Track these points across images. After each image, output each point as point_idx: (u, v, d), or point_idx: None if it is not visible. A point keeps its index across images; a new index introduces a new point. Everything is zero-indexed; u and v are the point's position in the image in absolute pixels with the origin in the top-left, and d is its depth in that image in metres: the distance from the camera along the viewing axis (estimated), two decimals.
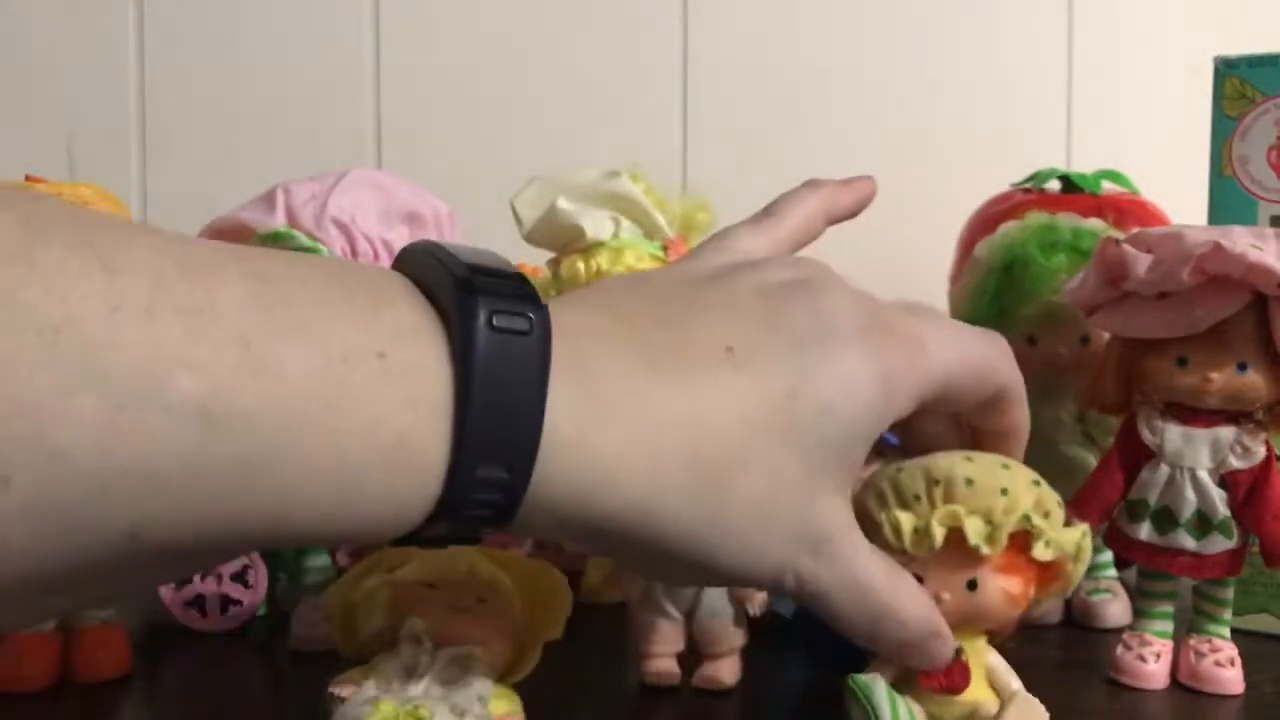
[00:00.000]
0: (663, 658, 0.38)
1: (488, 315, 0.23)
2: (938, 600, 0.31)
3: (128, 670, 0.41)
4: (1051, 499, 0.32)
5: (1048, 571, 0.32)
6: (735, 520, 0.26)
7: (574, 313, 0.27)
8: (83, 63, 0.78)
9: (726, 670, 0.38)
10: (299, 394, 0.21)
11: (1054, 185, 0.57)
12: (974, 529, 0.31)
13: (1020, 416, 0.33)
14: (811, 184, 0.35)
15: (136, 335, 0.20)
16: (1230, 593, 0.40)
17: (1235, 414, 0.38)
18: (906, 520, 0.31)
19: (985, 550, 0.31)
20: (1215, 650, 0.39)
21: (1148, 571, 0.40)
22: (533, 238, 0.48)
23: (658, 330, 0.27)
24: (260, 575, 0.46)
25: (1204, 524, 0.38)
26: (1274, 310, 0.36)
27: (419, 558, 0.33)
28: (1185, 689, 0.39)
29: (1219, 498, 0.38)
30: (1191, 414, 0.38)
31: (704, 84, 0.78)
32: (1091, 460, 0.46)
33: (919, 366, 0.29)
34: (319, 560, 0.46)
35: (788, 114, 0.78)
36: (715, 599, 0.38)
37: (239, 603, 0.46)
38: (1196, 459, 0.38)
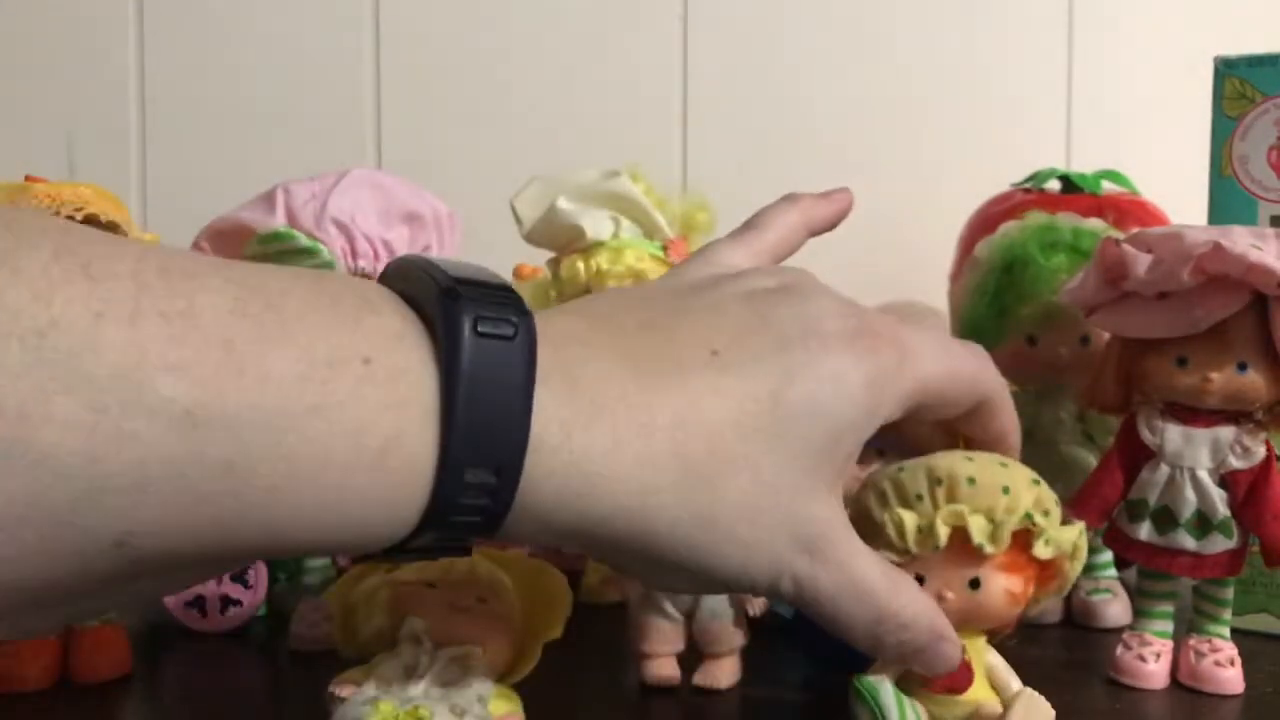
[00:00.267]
0: (663, 658, 0.38)
1: (473, 321, 0.23)
2: (940, 599, 0.31)
3: (128, 670, 0.41)
4: (1050, 497, 0.32)
5: (1046, 570, 0.33)
6: (725, 519, 0.26)
7: (558, 321, 0.27)
8: (83, 63, 0.78)
9: (726, 670, 0.38)
10: (284, 397, 0.21)
11: (1054, 185, 0.57)
12: (978, 528, 0.31)
13: (1009, 422, 0.34)
14: (790, 198, 0.36)
15: (120, 339, 0.20)
16: (1230, 593, 0.40)
17: (1235, 414, 0.38)
18: (910, 519, 0.31)
19: (989, 549, 0.31)
20: (1215, 650, 0.39)
21: (1148, 571, 0.40)
22: (533, 238, 0.48)
23: (642, 335, 0.27)
24: (260, 575, 0.46)
25: (1204, 524, 0.38)
26: (1274, 310, 0.36)
27: None
28: (1185, 689, 0.39)
29: (1219, 498, 0.38)
30: (1191, 414, 0.38)
31: (704, 84, 0.78)
32: (1091, 460, 0.46)
33: (907, 372, 0.29)
34: (319, 560, 0.46)
35: (787, 114, 0.78)
36: (715, 600, 0.38)
37: (239, 603, 0.46)
38: (1196, 459, 0.38)
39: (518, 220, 0.47)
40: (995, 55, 0.78)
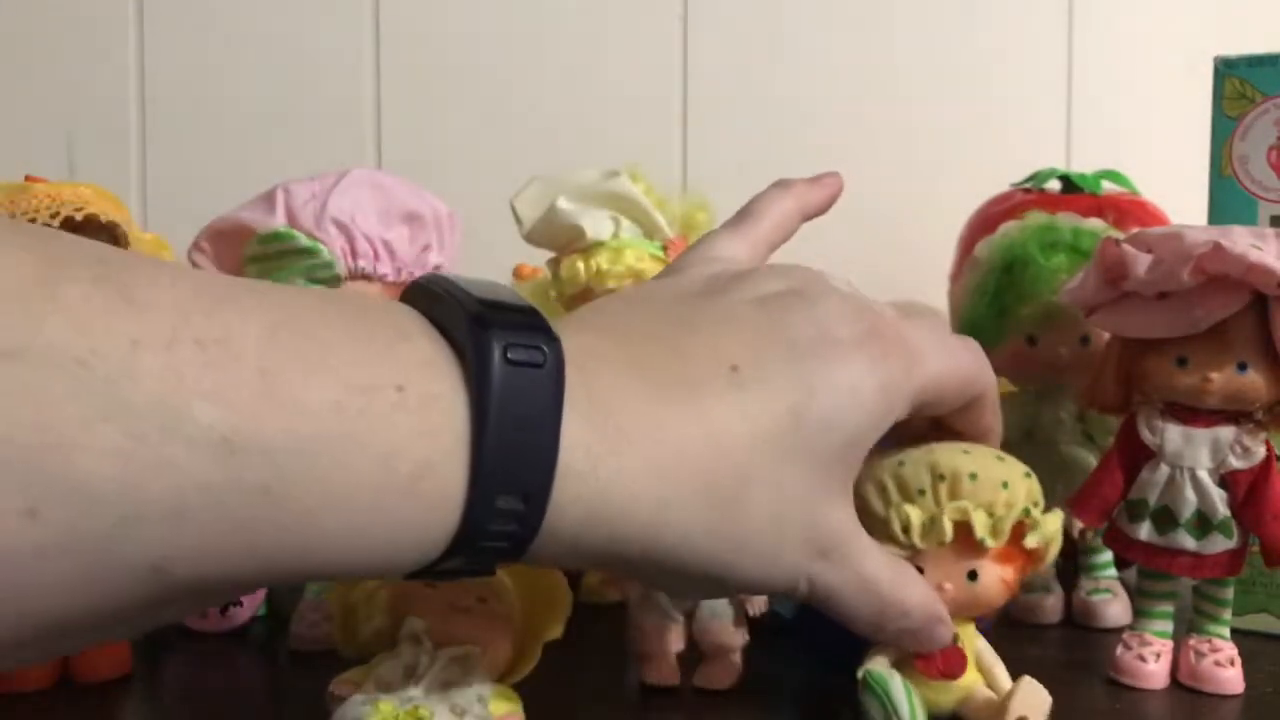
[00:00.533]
0: (663, 658, 0.38)
1: (503, 349, 0.24)
2: (940, 590, 0.33)
3: (128, 670, 0.41)
4: (1038, 489, 0.34)
5: (1031, 557, 0.34)
6: (748, 535, 0.27)
7: (578, 337, 0.27)
8: (83, 63, 0.78)
9: (726, 670, 0.38)
10: (319, 424, 0.22)
11: (1054, 185, 0.57)
12: (981, 523, 0.32)
13: (995, 419, 0.35)
14: (782, 184, 0.37)
15: (157, 367, 0.20)
16: (1230, 593, 0.40)
17: (1235, 414, 0.38)
18: (915, 515, 0.33)
19: (990, 543, 0.33)
20: (1215, 650, 0.39)
21: (1148, 571, 0.40)
22: (533, 238, 0.48)
23: (660, 351, 0.28)
24: None
25: (1204, 524, 0.38)
26: (1274, 310, 0.36)
27: None
28: (1185, 689, 0.39)
29: (1219, 498, 0.38)
30: (1191, 414, 0.38)
31: (704, 84, 0.78)
32: (1091, 460, 0.46)
33: (915, 375, 0.30)
34: None
35: (787, 114, 0.77)
36: (715, 600, 0.38)
37: (239, 603, 0.46)
38: (1196, 459, 0.38)
39: (518, 220, 0.47)
40: (995, 55, 0.77)
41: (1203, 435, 0.38)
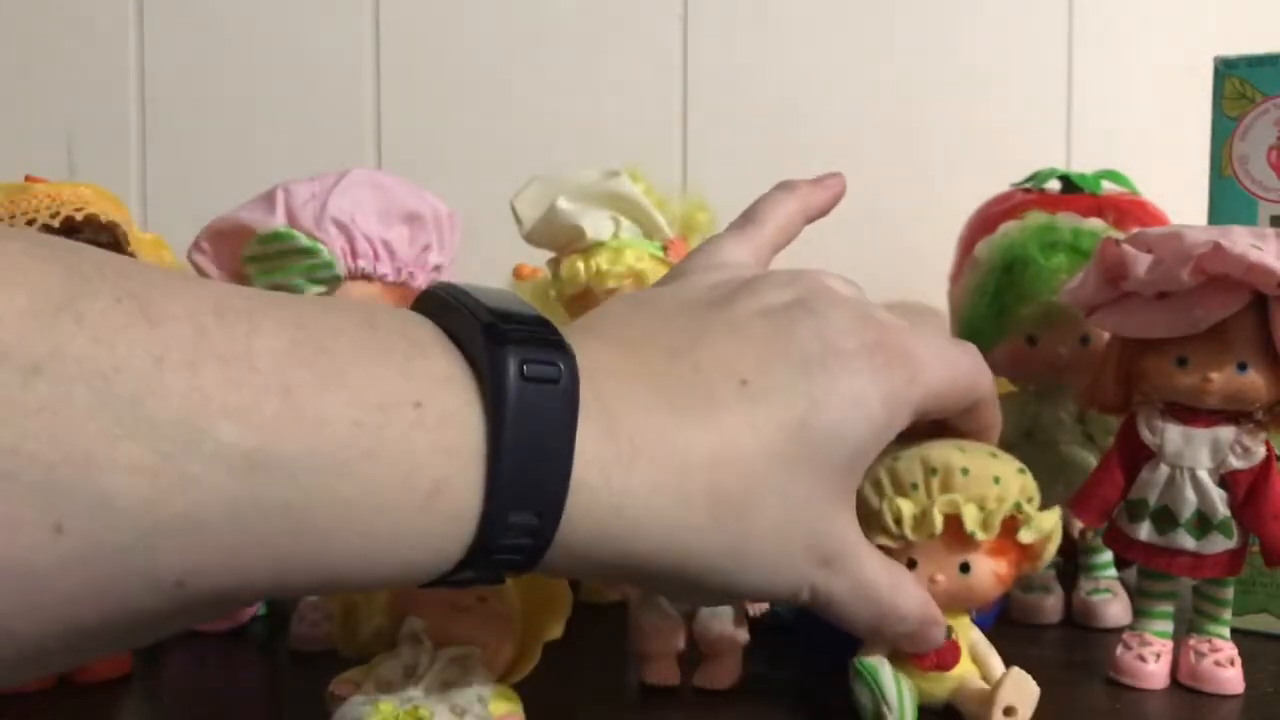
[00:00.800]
0: (663, 658, 0.38)
1: (518, 365, 0.24)
2: (933, 582, 0.34)
3: (128, 670, 0.41)
4: (1032, 485, 0.35)
5: (1027, 552, 0.35)
6: (754, 545, 0.28)
7: (592, 351, 0.27)
8: (83, 63, 0.78)
9: (726, 670, 0.38)
10: (338, 441, 0.22)
11: (1054, 185, 0.57)
12: (971, 516, 0.33)
13: (994, 417, 0.36)
14: (786, 186, 0.37)
15: (180, 384, 0.20)
16: (1230, 593, 0.40)
17: (1235, 414, 0.38)
18: (907, 508, 0.33)
19: (980, 536, 0.33)
20: (1215, 650, 0.39)
21: (1148, 571, 0.40)
22: (533, 238, 0.48)
23: (671, 363, 0.28)
24: None
25: (1204, 524, 0.38)
26: (1274, 310, 0.36)
27: None
28: (1185, 689, 0.39)
29: (1219, 498, 0.38)
30: (1191, 414, 0.38)
31: (704, 84, 0.78)
32: (1091, 460, 0.46)
33: (917, 385, 0.30)
34: None
35: (787, 115, 0.77)
36: None
37: None
38: (1196, 459, 0.38)
39: (518, 220, 0.47)
40: (995, 55, 0.77)
41: (1203, 435, 0.38)
